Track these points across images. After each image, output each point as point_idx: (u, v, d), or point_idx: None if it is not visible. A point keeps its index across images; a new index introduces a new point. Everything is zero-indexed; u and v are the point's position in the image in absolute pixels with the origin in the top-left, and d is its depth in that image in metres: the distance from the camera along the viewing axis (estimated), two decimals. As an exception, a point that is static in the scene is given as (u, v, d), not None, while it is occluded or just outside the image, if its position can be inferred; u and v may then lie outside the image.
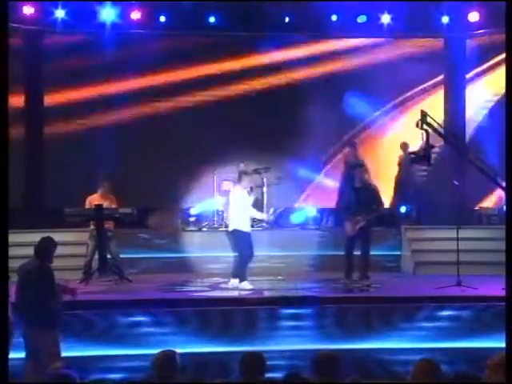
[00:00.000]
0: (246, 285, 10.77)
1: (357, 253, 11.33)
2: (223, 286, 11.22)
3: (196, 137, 14.18)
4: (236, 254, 11.11)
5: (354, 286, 11.09)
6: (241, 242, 10.94)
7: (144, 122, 14.48)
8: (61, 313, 7.71)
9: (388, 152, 14.58)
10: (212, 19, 14.40)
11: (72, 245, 12.16)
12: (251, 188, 11.49)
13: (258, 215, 11.70)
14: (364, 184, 11.25)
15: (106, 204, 11.78)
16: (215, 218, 13.79)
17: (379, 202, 11.27)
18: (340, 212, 11.84)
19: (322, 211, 14.20)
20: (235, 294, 10.61)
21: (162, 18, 14.41)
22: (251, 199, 11.20)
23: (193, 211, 13.93)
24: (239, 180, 11.10)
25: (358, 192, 11.18)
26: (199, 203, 14.00)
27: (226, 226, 12.85)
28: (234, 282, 10.83)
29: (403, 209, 13.67)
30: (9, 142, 6.76)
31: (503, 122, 7.98)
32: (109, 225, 11.80)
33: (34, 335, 7.44)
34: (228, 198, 11.54)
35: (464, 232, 11.47)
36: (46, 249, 7.78)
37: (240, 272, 10.86)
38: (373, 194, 11.25)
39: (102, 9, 14.13)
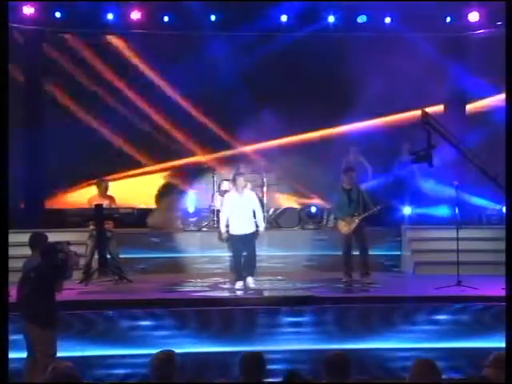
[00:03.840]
0: (239, 284, 10.91)
1: (355, 252, 11.40)
2: (224, 286, 11.26)
3: (196, 136, 14.21)
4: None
5: (355, 285, 11.13)
6: (232, 243, 11.15)
7: (143, 121, 14.49)
8: (59, 312, 7.70)
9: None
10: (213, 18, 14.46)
11: (72, 245, 12.12)
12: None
13: (259, 220, 11.28)
14: (353, 186, 11.45)
15: (106, 204, 11.79)
16: (215, 218, 13.78)
17: (369, 203, 11.37)
18: (333, 214, 12.23)
19: (322, 211, 14.20)
20: (235, 294, 10.64)
21: (166, 18, 14.45)
22: (249, 201, 11.15)
23: (190, 210, 13.95)
24: (233, 182, 11.18)
25: (347, 194, 11.43)
26: (195, 202, 14.02)
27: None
28: (238, 282, 10.91)
29: (407, 210, 13.65)
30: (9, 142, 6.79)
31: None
32: (108, 225, 11.80)
33: (32, 333, 7.43)
34: (223, 200, 11.55)
35: (464, 232, 11.48)
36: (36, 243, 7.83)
37: (236, 272, 11.02)
38: (362, 195, 11.46)
39: (102, 9, 14.16)
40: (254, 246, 11.08)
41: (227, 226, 11.12)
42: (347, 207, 11.40)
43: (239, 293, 10.67)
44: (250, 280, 10.91)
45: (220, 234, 11.44)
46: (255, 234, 11.15)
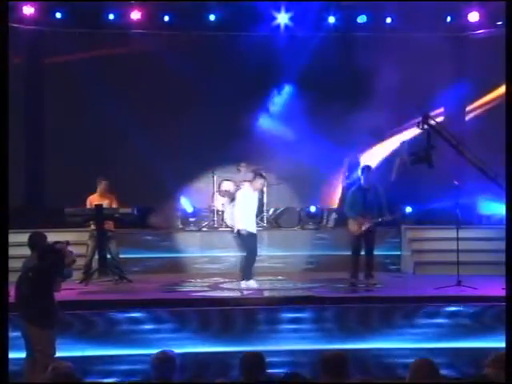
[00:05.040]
0: (252, 283, 10.83)
1: (362, 253, 11.38)
2: (224, 286, 11.26)
3: (196, 136, 14.20)
4: (243, 253, 11.11)
5: (360, 286, 11.11)
6: (249, 242, 10.97)
7: (143, 121, 14.48)
8: (58, 312, 7.69)
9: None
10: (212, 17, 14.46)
11: (72, 245, 12.11)
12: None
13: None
14: (370, 186, 11.30)
15: (105, 203, 11.79)
16: (215, 218, 13.79)
17: (385, 206, 11.27)
18: (345, 212, 11.79)
19: (321, 211, 14.20)
20: (235, 294, 10.64)
21: (166, 18, 14.45)
22: (257, 201, 11.19)
23: (188, 210, 13.98)
24: (252, 180, 11.11)
25: (364, 193, 11.24)
26: (188, 201, 14.04)
27: (227, 226, 12.89)
28: (243, 282, 10.87)
29: (409, 209, 13.66)
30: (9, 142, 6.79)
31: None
32: (108, 225, 11.80)
33: (31, 333, 7.43)
34: (235, 198, 11.51)
35: (464, 232, 11.48)
36: (35, 243, 7.83)
37: (248, 271, 10.91)
38: (378, 196, 11.29)
39: (102, 9, 14.17)
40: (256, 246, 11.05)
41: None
42: (361, 207, 11.15)
43: (239, 293, 10.66)
44: (251, 282, 10.88)
45: (239, 231, 10.93)
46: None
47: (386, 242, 12.93)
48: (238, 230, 10.93)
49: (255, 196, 11.12)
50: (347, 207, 11.57)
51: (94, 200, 11.93)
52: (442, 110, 14.86)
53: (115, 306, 9.52)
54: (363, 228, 11.15)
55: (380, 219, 11.21)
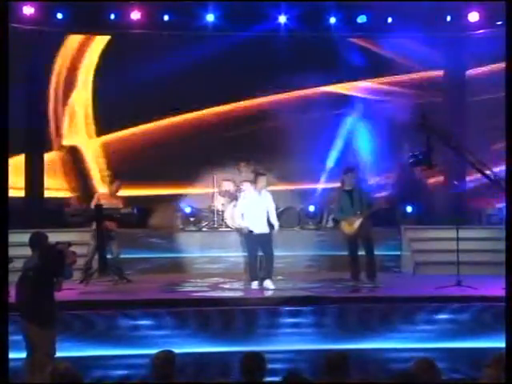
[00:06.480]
0: (254, 284, 10.86)
1: (361, 253, 11.35)
2: (224, 286, 11.26)
3: (196, 135, 14.23)
4: (257, 254, 11.10)
5: (362, 287, 11.09)
6: (248, 242, 11.00)
7: (143, 120, 14.51)
8: (58, 312, 7.69)
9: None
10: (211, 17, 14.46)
11: (72, 245, 12.08)
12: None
13: (273, 219, 11.16)
14: (354, 187, 11.29)
15: (113, 203, 11.74)
16: (215, 218, 13.79)
17: (370, 203, 11.27)
18: (335, 215, 11.96)
19: (321, 211, 14.20)
20: (235, 294, 10.64)
21: (166, 17, 14.46)
22: (265, 200, 11.12)
23: (187, 210, 13.98)
24: (255, 181, 11.09)
25: (349, 194, 11.23)
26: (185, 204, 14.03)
27: (227, 226, 12.91)
28: (254, 283, 10.87)
29: (409, 209, 13.67)
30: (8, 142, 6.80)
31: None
32: (110, 225, 11.75)
33: (32, 333, 7.43)
34: (237, 198, 11.49)
35: (464, 232, 11.48)
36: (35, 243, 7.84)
37: (253, 272, 10.91)
38: (364, 195, 11.29)
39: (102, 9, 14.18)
40: (271, 247, 10.96)
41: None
42: (350, 207, 11.15)
43: (239, 293, 10.66)
44: (268, 283, 10.80)
45: (240, 230, 11.18)
46: (271, 235, 11.05)
47: (386, 242, 12.93)
48: (239, 229, 11.01)
49: (260, 197, 10.98)
50: (336, 211, 11.68)
51: (103, 198, 11.88)
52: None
53: (115, 305, 9.53)
54: (356, 226, 11.12)
55: (370, 211, 11.14)
